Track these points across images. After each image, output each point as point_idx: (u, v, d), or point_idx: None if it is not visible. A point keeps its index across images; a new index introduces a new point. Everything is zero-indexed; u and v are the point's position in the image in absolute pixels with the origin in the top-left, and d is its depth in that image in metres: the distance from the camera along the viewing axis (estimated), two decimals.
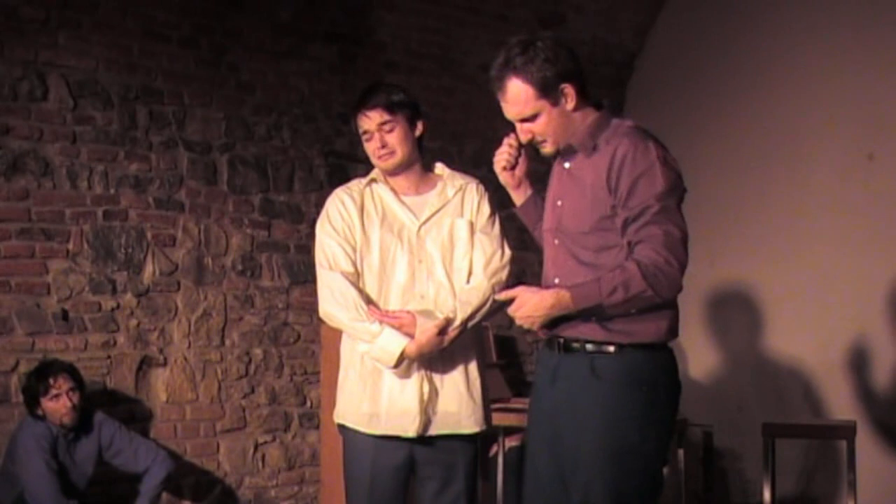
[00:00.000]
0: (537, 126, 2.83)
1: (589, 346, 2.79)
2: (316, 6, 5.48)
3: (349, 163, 5.41)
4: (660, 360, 2.83)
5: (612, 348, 2.77)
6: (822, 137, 5.80)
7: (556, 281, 2.87)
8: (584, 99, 2.85)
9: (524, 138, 2.88)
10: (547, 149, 2.88)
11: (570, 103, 2.81)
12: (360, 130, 3.30)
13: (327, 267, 3.26)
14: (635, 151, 2.73)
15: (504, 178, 3.11)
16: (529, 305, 2.80)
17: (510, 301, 2.87)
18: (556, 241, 2.90)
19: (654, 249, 2.69)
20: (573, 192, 2.86)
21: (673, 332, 2.84)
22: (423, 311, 3.19)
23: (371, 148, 3.30)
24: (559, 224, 2.89)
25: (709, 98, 6.31)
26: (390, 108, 3.24)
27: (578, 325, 2.80)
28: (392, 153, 3.27)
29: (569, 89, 2.80)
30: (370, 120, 3.25)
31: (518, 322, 2.86)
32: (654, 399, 2.79)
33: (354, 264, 3.25)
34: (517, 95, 2.81)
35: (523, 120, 2.84)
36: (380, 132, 3.25)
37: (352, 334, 3.25)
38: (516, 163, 3.08)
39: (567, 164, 2.89)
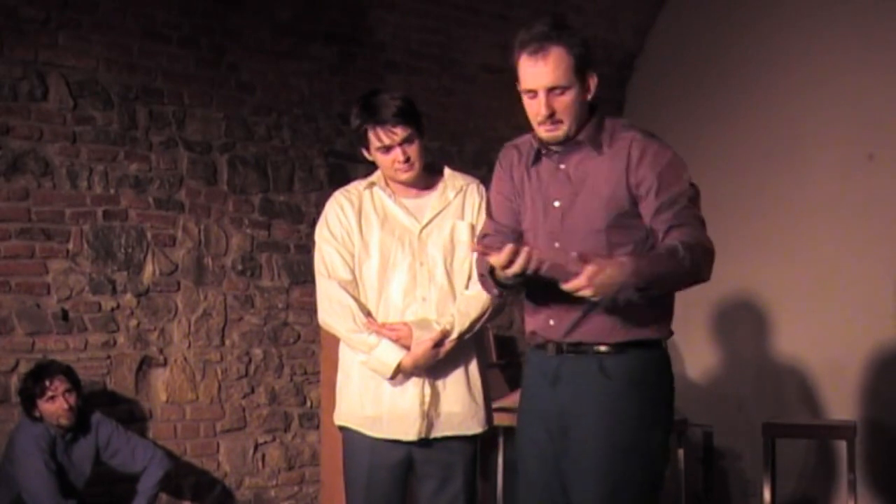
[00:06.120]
0: (562, 101, 2.72)
1: (595, 347, 2.79)
2: (316, 6, 5.47)
3: (349, 163, 5.40)
4: (660, 358, 2.85)
5: (617, 348, 2.77)
6: (822, 137, 5.79)
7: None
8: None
9: (544, 111, 2.72)
10: (559, 132, 2.75)
11: (590, 94, 2.78)
12: (377, 144, 3.19)
13: (326, 275, 3.25)
14: (653, 146, 2.76)
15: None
16: (604, 274, 2.52)
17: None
18: (557, 245, 2.82)
19: (697, 230, 2.70)
20: (578, 192, 2.81)
21: (670, 330, 2.88)
22: (421, 321, 3.19)
23: (388, 160, 3.21)
24: (561, 226, 2.83)
25: (709, 98, 6.30)
26: (413, 122, 3.18)
27: (582, 324, 2.78)
28: (413, 166, 3.21)
29: (593, 80, 2.77)
30: (395, 135, 3.16)
31: (592, 290, 2.54)
32: (657, 397, 2.81)
33: (353, 271, 3.25)
34: (559, 61, 2.69)
35: (552, 89, 2.71)
36: (402, 146, 3.19)
37: (349, 344, 3.26)
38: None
39: (562, 166, 2.84)
